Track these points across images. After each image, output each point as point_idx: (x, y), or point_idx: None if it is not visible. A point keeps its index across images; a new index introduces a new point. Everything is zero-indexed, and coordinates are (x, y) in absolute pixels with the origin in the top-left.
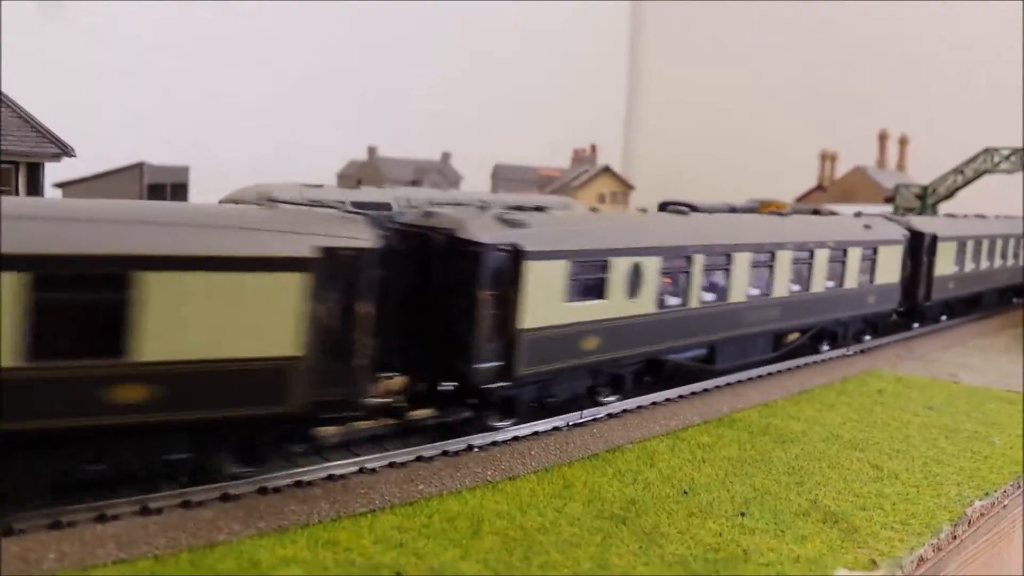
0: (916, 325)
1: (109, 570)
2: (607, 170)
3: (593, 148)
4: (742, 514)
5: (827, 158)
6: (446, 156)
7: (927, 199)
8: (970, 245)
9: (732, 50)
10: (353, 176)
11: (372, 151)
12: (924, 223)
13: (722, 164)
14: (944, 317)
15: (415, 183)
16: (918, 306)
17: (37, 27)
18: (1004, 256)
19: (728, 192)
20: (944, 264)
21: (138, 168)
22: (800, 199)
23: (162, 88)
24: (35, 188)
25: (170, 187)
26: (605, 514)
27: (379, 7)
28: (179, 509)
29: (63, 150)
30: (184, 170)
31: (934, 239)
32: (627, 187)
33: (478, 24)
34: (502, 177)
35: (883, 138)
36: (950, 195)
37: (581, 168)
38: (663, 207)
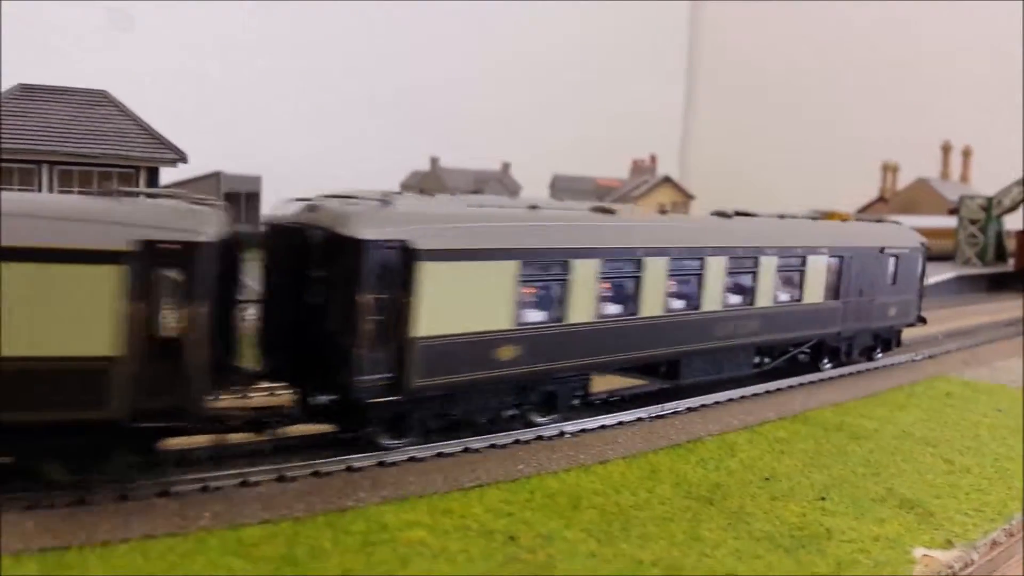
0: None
1: (256, 529)
2: (667, 180)
3: (653, 158)
4: (822, 499)
5: (889, 169)
6: (506, 166)
7: (992, 211)
8: (586, 268)
9: (792, 58)
10: (416, 186)
11: (434, 161)
12: (380, 217)
13: (783, 174)
14: (531, 411)
15: (476, 193)
16: (359, 405)
17: (103, 34)
18: (749, 290)
19: (788, 203)
20: (459, 308)
21: (215, 177)
22: (862, 210)
23: (224, 96)
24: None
25: (244, 196)
26: (693, 495)
27: (442, 22)
28: (312, 478)
29: (180, 156)
30: (257, 179)
31: (407, 254)
32: (687, 197)
33: (537, 35)
34: (560, 187)
35: (946, 149)
36: (1015, 207)
37: (641, 178)
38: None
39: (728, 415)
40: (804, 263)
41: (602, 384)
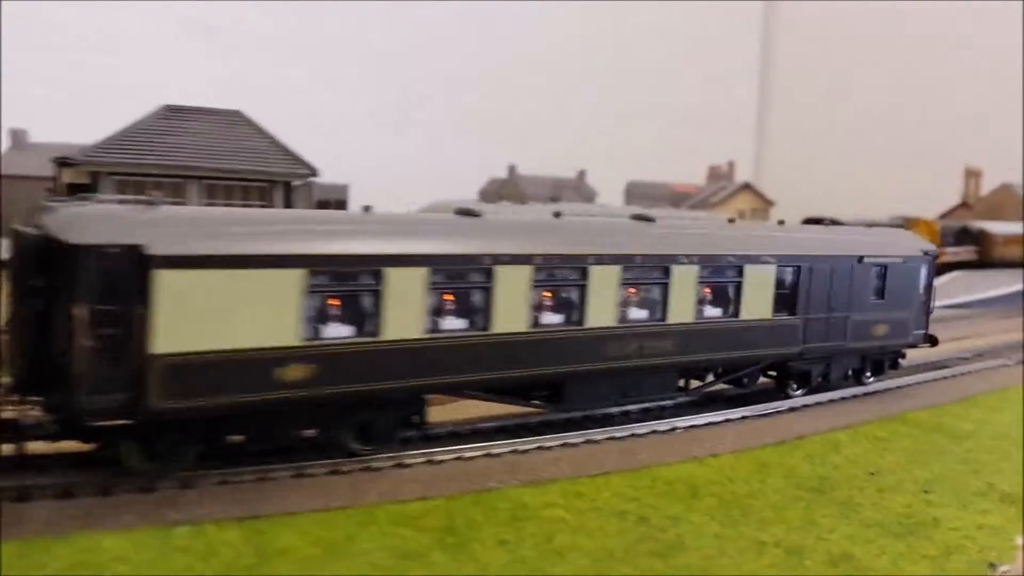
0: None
1: (417, 504)
2: (747, 187)
3: (731, 164)
4: (926, 492)
5: (972, 175)
6: (582, 174)
7: None
8: (407, 277)
9: (871, 61)
10: (494, 192)
11: (512, 169)
12: (108, 219)
13: (864, 180)
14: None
15: (553, 200)
16: (84, 426)
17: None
18: (659, 303)
19: (872, 209)
20: (220, 321)
21: (308, 186)
22: (944, 216)
23: (302, 105)
24: (288, 205)
25: (334, 203)
26: (803, 487)
27: (512, 30)
28: (456, 462)
29: (311, 171)
30: (344, 188)
31: (141, 261)
32: (767, 203)
33: (609, 39)
34: (635, 194)
35: None
36: None
37: (718, 184)
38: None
39: (828, 415)
40: (740, 273)
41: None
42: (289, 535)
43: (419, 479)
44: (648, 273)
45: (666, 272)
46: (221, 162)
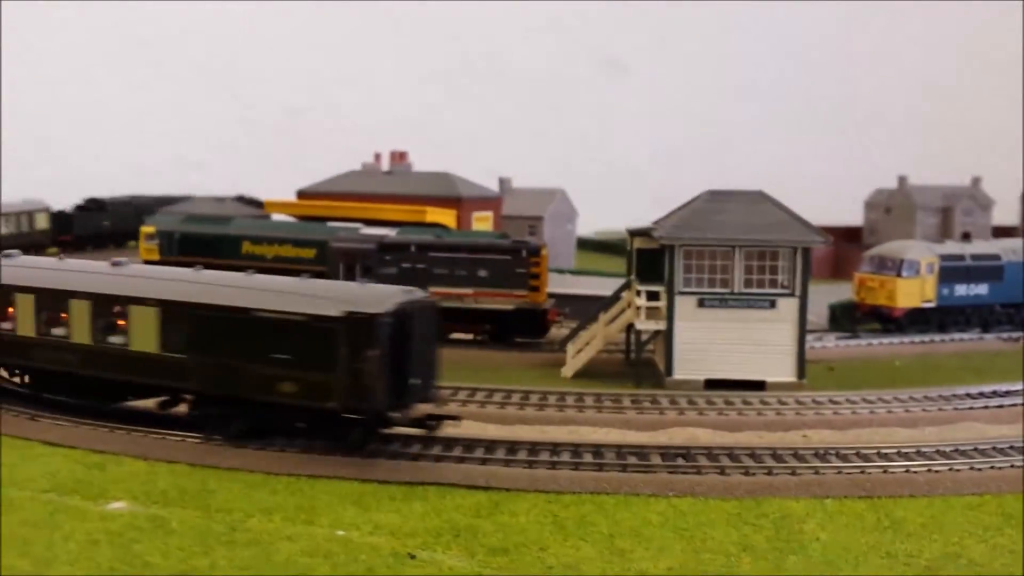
0: None
1: (973, 498)
2: None
3: None
4: None
5: None
6: (976, 180)
7: None
8: None
9: None
10: (881, 204)
11: (902, 180)
12: None
13: None
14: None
15: (945, 210)
16: None
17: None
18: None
19: None
20: None
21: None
22: None
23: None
24: (806, 267)
25: None
26: None
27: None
28: (970, 471)
29: (824, 238)
30: None
31: None
32: None
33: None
34: None
35: None
36: None
37: None
38: None
39: None
40: (127, 311)
41: None
42: (899, 509)
43: (968, 479)
44: (58, 303)
45: (66, 303)
46: (756, 234)
